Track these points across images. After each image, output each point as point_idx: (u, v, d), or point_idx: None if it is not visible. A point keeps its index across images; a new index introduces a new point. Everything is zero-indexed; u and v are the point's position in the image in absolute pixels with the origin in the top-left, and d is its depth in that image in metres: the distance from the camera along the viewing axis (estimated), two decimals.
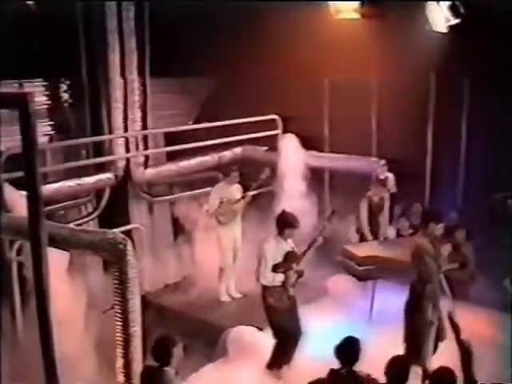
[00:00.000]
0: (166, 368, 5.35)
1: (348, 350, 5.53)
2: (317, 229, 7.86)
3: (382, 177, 9.85)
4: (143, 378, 5.55)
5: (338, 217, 8.61)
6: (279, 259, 7.20)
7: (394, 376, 5.23)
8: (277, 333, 7.44)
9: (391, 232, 9.83)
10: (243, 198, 9.29)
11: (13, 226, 6.42)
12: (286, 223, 7.29)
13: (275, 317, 7.39)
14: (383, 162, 10.13)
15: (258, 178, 9.57)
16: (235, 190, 9.35)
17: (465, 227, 8.79)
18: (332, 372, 5.47)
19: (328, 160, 11.12)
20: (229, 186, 9.34)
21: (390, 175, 9.97)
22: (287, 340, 7.41)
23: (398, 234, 9.85)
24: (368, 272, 8.64)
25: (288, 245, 7.34)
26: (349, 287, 9.33)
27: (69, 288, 7.17)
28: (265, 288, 7.34)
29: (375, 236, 9.64)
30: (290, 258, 7.21)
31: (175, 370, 5.42)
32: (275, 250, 7.23)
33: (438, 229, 7.03)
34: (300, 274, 7.32)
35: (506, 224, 8.46)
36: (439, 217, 7.16)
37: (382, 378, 5.36)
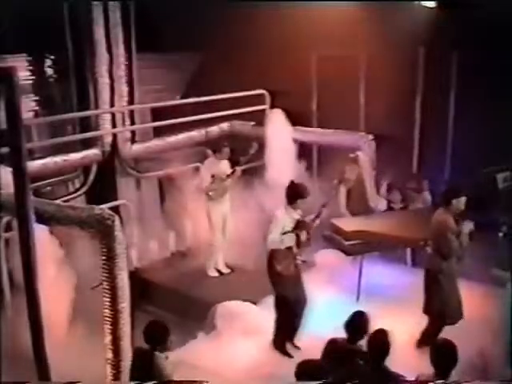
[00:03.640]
0: (157, 353, 5.37)
1: (355, 324, 5.59)
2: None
3: (352, 155, 9.85)
4: (134, 360, 5.56)
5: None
6: (288, 228, 7.28)
7: (377, 349, 5.23)
8: (280, 302, 7.51)
9: (382, 205, 9.82)
10: (233, 173, 9.27)
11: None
12: (295, 193, 7.35)
13: (281, 285, 7.45)
14: (371, 136, 10.13)
15: (246, 153, 9.52)
16: (225, 166, 9.31)
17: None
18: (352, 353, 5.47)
19: (316, 135, 11.09)
20: (219, 161, 9.30)
21: (361, 154, 9.94)
22: (291, 311, 7.49)
23: (389, 207, 9.87)
24: (355, 247, 8.67)
25: (297, 214, 7.41)
26: (337, 261, 9.36)
27: (56, 265, 7.15)
28: (272, 255, 7.39)
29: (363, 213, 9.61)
30: (299, 226, 7.31)
31: (165, 355, 5.44)
32: (284, 218, 7.30)
33: (461, 203, 6.97)
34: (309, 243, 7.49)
35: (494, 199, 8.49)
36: (459, 191, 7.06)
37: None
